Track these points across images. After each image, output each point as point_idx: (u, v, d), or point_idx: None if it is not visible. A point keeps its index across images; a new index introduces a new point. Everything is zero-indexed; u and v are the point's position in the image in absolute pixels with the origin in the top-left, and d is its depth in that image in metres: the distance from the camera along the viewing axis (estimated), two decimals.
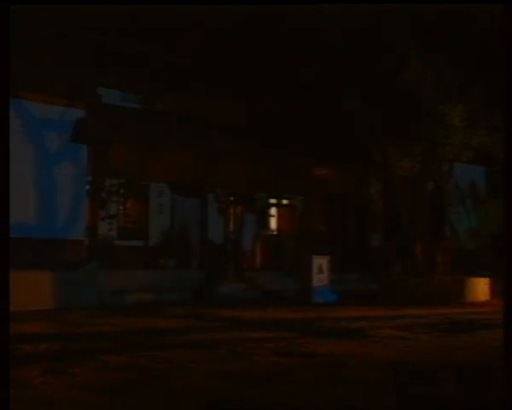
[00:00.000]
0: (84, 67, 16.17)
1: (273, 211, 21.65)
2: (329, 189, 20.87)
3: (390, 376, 7.33)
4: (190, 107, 17.77)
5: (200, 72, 18.28)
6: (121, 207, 18.15)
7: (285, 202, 21.76)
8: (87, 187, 16.49)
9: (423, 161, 18.60)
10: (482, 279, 19.07)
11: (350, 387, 6.68)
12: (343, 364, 7.90)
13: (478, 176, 23.66)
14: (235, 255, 19.41)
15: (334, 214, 22.00)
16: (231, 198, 20.47)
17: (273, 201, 21.54)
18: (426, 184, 19.28)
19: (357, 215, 22.17)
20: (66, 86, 15.93)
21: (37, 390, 6.32)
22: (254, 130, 18.67)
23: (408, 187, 19.32)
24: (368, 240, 22.05)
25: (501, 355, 5.79)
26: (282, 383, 6.77)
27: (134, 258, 17.14)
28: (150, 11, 13.29)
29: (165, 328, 11.22)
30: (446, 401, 6.28)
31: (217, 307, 15.20)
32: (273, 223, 21.64)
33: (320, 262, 17.73)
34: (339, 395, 6.36)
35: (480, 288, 18.77)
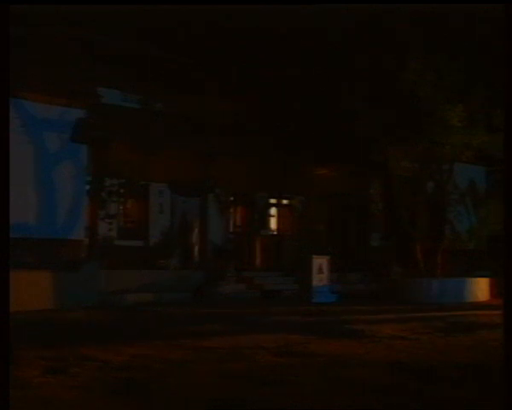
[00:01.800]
0: (84, 67, 16.17)
1: (273, 211, 21.63)
2: (329, 189, 20.86)
3: (390, 376, 7.33)
4: (190, 107, 17.77)
5: (200, 72, 18.28)
6: (121, 207, 18.13)
7: (285, 201, 21.74)
8: (87, 187, 16.47)
9: (423, 161, 18.59)
10: (482, 279, 19.08)
11: (350, 387, 6.68)
12: (343, 364, 7.90)
13: (478, 176, 23.63)
14: (235, 255, 19.41)
15: (334, 214, 21.98)
16: (231, 198, 20.46)
17: (273, 201, 21.52)
18: (426, 184, 19.27)
19: (357, 215, 22.16)
20: (66, 86, 15.92)
21: (37, 390, 6.32)
22: (254, 130, 18.66)
23: (408, 187, 19.31)
24: (368, 240, 22.05)
25: (501, 355, 5.78)
26: (282, 384, 6.77)
27: (134, 258, 17.13)
28: (150, 11, 13.28)
29: (165, 328, 11.23)
30: (446, 401, 6.28)
31: (217, 306, 15.22)
32: (273, 223, 21.62)
33: (320, 262, 17.75)
34: (339, 395, 6.36)
35: (480, 288, 18.78)
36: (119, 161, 16.37)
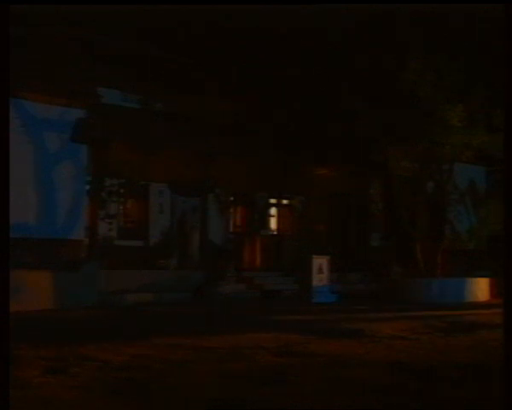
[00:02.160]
0: (84, 67, 16.16)
1: (273, 211, 21.62)
2: (329, 189, 20.86)
3: (390, 376, 7.33)
4: (190, 107, 17.77)
5: (200, 72, 18.28)
6: (121, 207, 18.12)
7: (285, 201, 21.73)
8: (87, 187, 16.47)
9: (423, 161, 18.59)
10: (482, 279, 19.08)
11: (350, 387, 6.68)
12: (343, 364, 7.91)
13: (478, 176, 23.64)
14: (235, 255, 19.40)
15: (334, 214, 21.98)
16: (231, 198, 20.45)
17: (273, 201, 21.52)
18: (426, 184, 19.27)
19: (357, 215, 22.16)
20: (66, 86, 15.92)
21: (37, 390, 6.32)
22: (254, 130, 18.66)
23: (408, 187, 19.31)
24: (368, 240, 22.05)
25: (501, 355, 5.79)
26: (282, 384, 6.77)
27: (134, 258, 17.13)
28: (150, 11, 13.29)
29: (165, 328, 11.23)
30: (446, 401, 6.28)
31: (217, 306, 15.22)
32: (273, 223, 21.62)
33: (320, 262, 17.74)
34: (339, 395, 6.36)
35: (480, 288, 18.78)
36: (119, 161, 16.37)
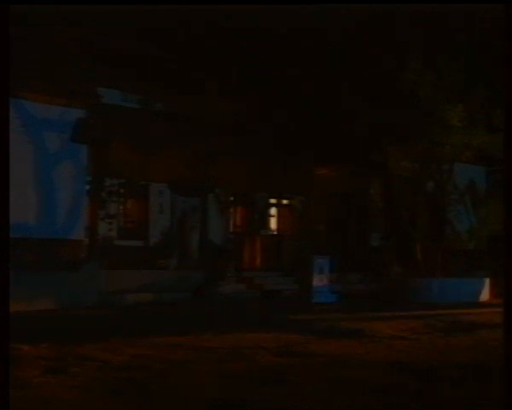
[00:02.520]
0: (84, 67, 16.16)
1: (273, 211, 21.62)
2: (329, 189, 20.86)
3: (390, 376, 7.33)
4: (190, 107, 17.77)
5: (200, 72, 18.28)
6: (121, 207, 18.11)
7: (285, 202, 21.73)
8: (87, 187, 16.47)
9: (423, 161, 18.59)
10: (482, 279, 19.08)
11: (350, 387, 6.68)
12: (343, 364, 7.91)
13: (478, 176, 23.63)
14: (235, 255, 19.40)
15: (334, 214, 21.97)
16: (231, 198, 20.45)
17: (273, 201, 21.51)
18: (426, 184, 19.27)
19: (357, 215, 22.15)
20: (66, 86, 15.92)
21: (37, 390, 6.32)
22: (254, 130, 18.66)
23: (408, 187, 19.31)
24: (368, 240, 22.04)
25: (501, 355, 5.79)
26: (282, 384, 6.77)
27: (134, 258, 17.12)
28: (150, 11, 13.29)
29: (165, 328, 11.23)
30: (446, 401, 6.28)
31: (217, 306, 15.22)
32: (273, 223, 21.62)
33: (320, 262, 17.73)
34: (339, 395, 6.36)
35: (480, 288, 18.79)
36: (119, 161, 16.37)
